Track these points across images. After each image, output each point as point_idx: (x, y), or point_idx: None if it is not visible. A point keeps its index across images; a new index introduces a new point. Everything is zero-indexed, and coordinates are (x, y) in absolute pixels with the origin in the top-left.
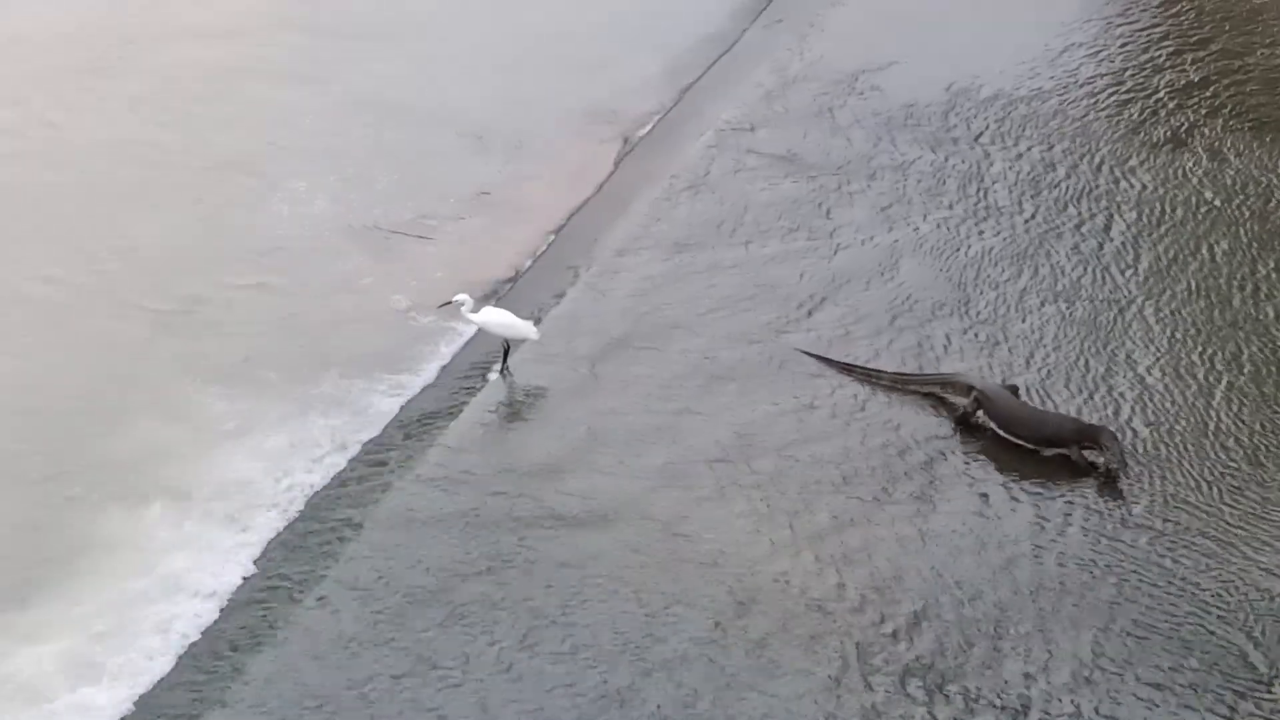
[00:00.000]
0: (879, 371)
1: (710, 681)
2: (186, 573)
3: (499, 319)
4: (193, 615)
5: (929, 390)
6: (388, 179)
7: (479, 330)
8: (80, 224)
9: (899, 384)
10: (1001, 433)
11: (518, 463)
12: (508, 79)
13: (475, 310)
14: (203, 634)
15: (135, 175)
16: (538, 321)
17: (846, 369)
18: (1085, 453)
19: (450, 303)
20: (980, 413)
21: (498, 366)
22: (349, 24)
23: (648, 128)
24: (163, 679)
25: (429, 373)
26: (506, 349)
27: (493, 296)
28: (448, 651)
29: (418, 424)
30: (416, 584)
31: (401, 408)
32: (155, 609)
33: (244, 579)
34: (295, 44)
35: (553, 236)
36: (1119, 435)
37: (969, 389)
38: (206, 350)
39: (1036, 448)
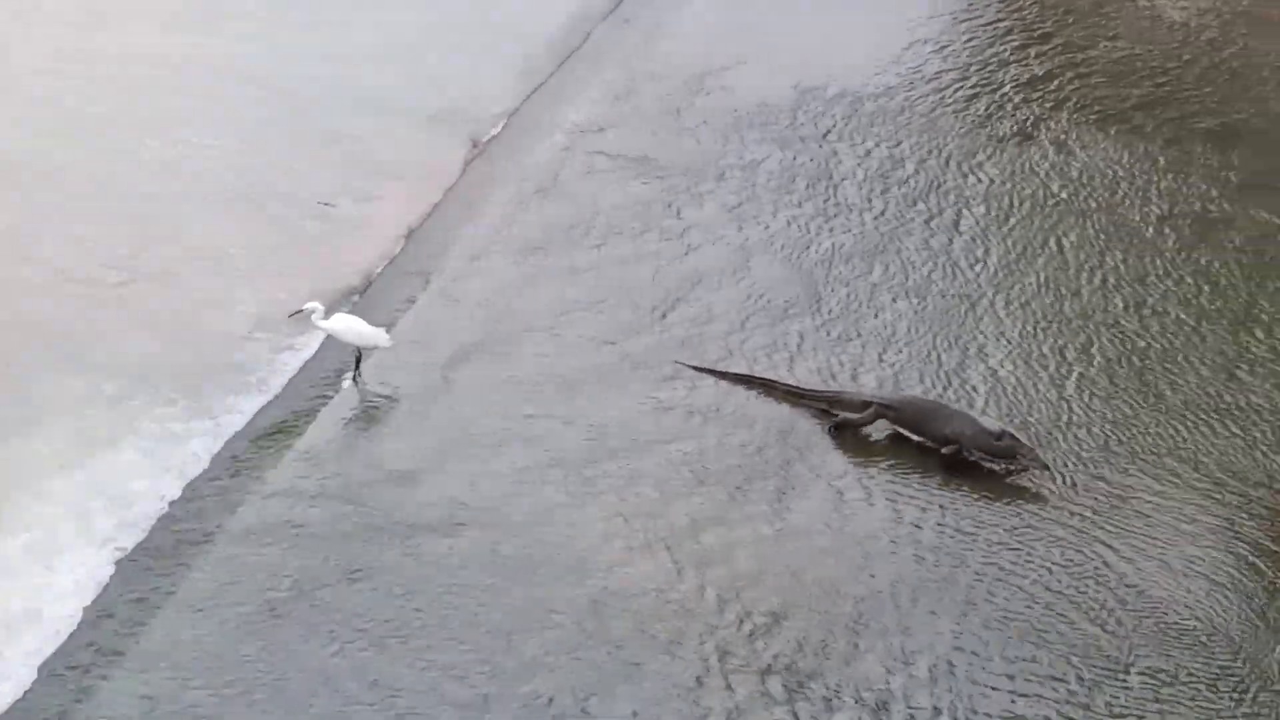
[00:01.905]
0: (773, 383)
1: (572, 685)
2: (35, 588)
3: (350, 326)
4: (47, 629)
5: (820, 406)
6: (233, 186)
7: (330, 338)
8: None
9: (795, 396)
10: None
11: (372, 471)
12: (353, 81)
13: (326, 318)
14: (57, 650)
15: None
16: (390, 328)
17: (744, 380)
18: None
19: (301, 311)
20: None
21: (351, 374)
22: (190, 24)
23: (497, 130)
24: (17, 698)
25: (280, 382)
26: (359, 357)
27: (344, 304)
28: (305, 663)
29: (269, 434)
30: (271, 595)
31: (252, 418)
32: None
33: (95, 594)
34: (143, 48)
35: (403, 242)
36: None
37: (864, 404)
38: (49, 358)
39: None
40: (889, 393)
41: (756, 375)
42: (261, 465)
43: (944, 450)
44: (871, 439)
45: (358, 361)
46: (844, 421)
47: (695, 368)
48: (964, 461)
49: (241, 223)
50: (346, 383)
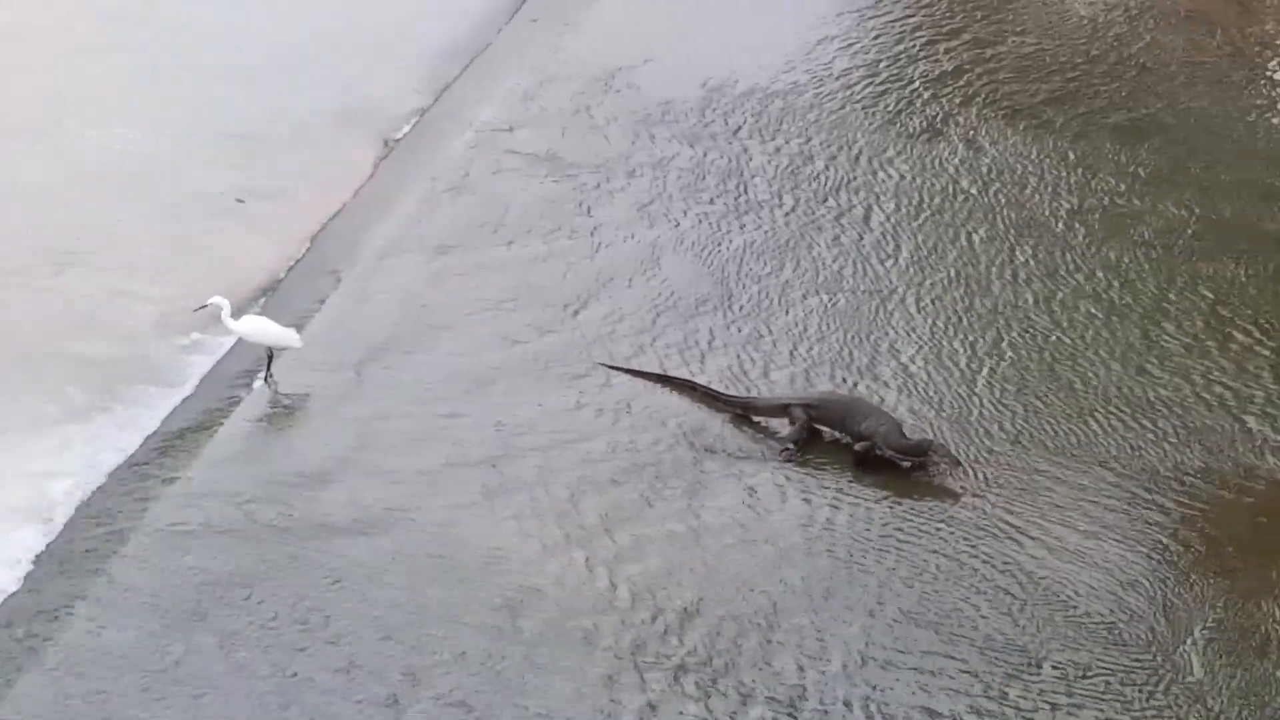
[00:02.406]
0: (691, 383)
1: (485, 685)
2: None
3: (260, 328)
4: None
5: (733, 410)
6: (140, 183)
7: (240, 339)
8: None
9: (711, 399)
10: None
11: (283, 472)
12: (258, 79)
13: (236, 318)
14: None
15: None
16: (301, 328)
17: (664, 380)
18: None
19: (206, 306)
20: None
21: (262, 375)
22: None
23: (406, 129)
24: None
25: (190, 383)
26: (270, 357)
27: (254, 304)
28: (216, 665)
29: (178, 436)
30: (182, 598)
31: (163, 420)
32: None
33: (6, 595)
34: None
35: (313, 241)
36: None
37: (783, 407)
38: None
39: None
40: (806, 392)
41: (676, 376)
42: (174, 465)
43: (857, 446)
44: (779, 434)
45: (269, 362)
46: (796, 437)
47: (614, 368)
48: (877, 458)
49: (147, 220)
50: (258, 383)
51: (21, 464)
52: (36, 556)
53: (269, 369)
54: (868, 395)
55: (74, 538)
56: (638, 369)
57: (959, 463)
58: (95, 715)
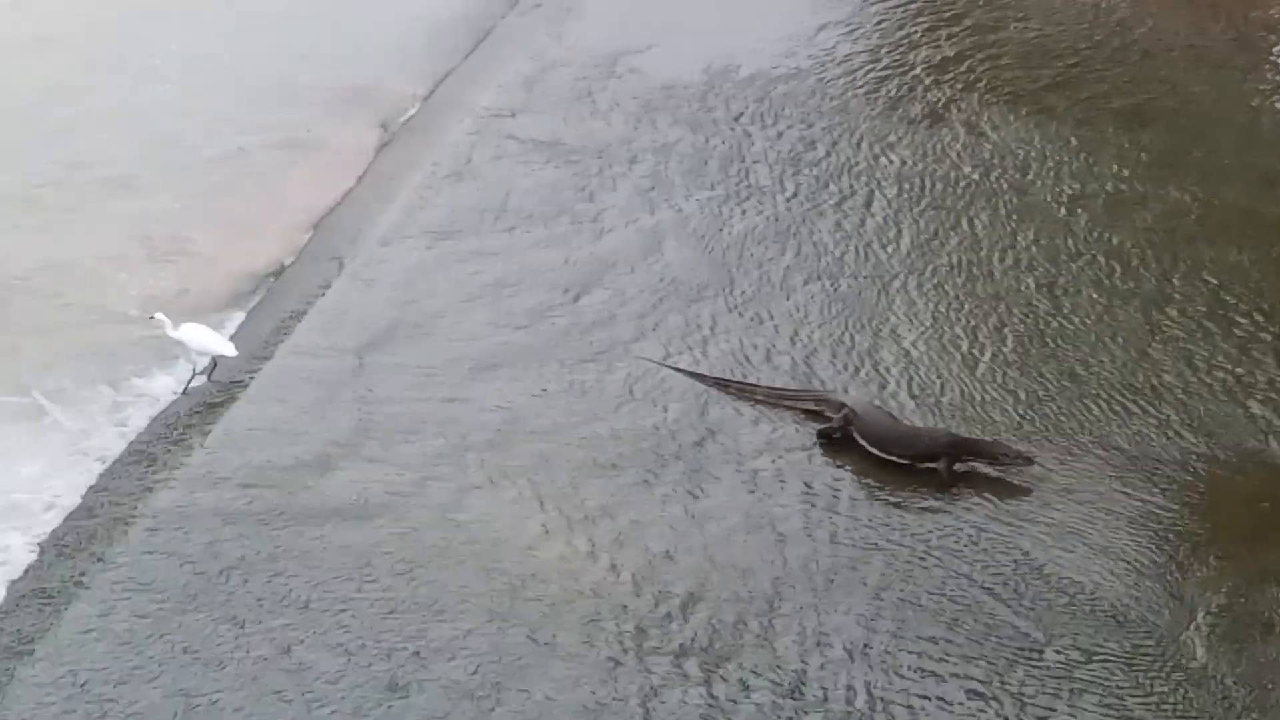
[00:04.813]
0: (754, 386)
1: (488, 668)
2: None
3: (196, 335)
4: None
5: (803, 407)
6: (144, 171)
7: (239, 327)
8: None
9: (773, 400)
10: (873, 450)
11: (286, 457)
12: (257, 66)
13: (176, 328)
14: None
15: None
16: (304, 314)
17: (721, 384)
18: (960, 465)
19: (153, 319)
20: (851, 429)
21: (203, 373)
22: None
23: (408, 115)
24: None
25: (186, 371)
26: (213, 363)
27: (257, 292)
28: (222, 647)
29: (182, 422)
30: (187, 582)
31: (165, 408)
32: None
33: (10, 581)
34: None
35: (315, 228)
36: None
37: (840, 406)
38: None
39: (910, 463)
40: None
41: (732, 379)
42: (175, 451)
43: (928, 466)
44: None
45: (211, 368)
46: (826, 430)
47: (661, 364)
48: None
49: (151, 205)
50: (196, 383)
51: (21, 449)
52: (39, 542)
53: (210, 372)
54: (868, 380)
55: (76, 523)
56: (685, 368)
57: (1031, 460)
58: (97, 698)
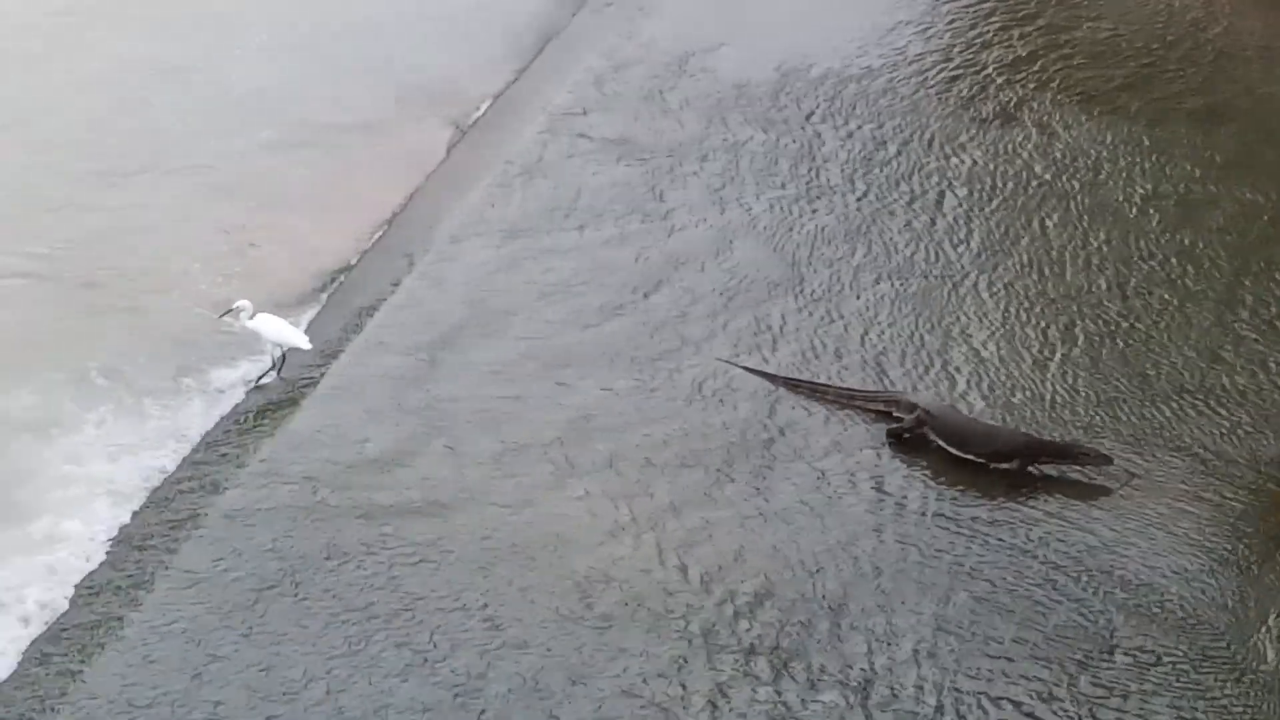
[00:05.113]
0: (825, 386)
1: (556, 666)
2: (30, 568)
3: (272, 326)
4: (32, 612)
5: (874, 408)
6: (215, 171)
7: (310, 322)
8: None
9: (844, 400)
10: (950, 449)
11: (357, 453)
12: (333, 64)
13: (253, 317)
14: (47, 627)
15: None
16: (373, 311)
17: (791, 384)
18: (1035, 467)
19: (231, 310)
20: (926, 430)
21: (273, 372)
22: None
23: (480, 113)
24: (13, 673)
25: (262, 367)
26: (283, 356)
27: (329, 288)
28: (293, 642)
29: (253, 419)
30: (259, 576)
31: (238, 402)
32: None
33: (85, 573)
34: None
35: (386, 225)
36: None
37: (913, 407)
38: (37, 345)
39: (985, 462)
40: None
41: (803, 379)
42: (247, 448)
43: (1003, 466)
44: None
45: (281, 361)
46: (897, 430)
47: (735, 364)
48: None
49: (224, 206)
50: (267, 379)
51: (99, 445)
52: (112, 535)
53: (279, 367)
54: (938, 380)
55: (150, 516)
56: (756, 367)
57: (1110, 459)
58: (168, 691)
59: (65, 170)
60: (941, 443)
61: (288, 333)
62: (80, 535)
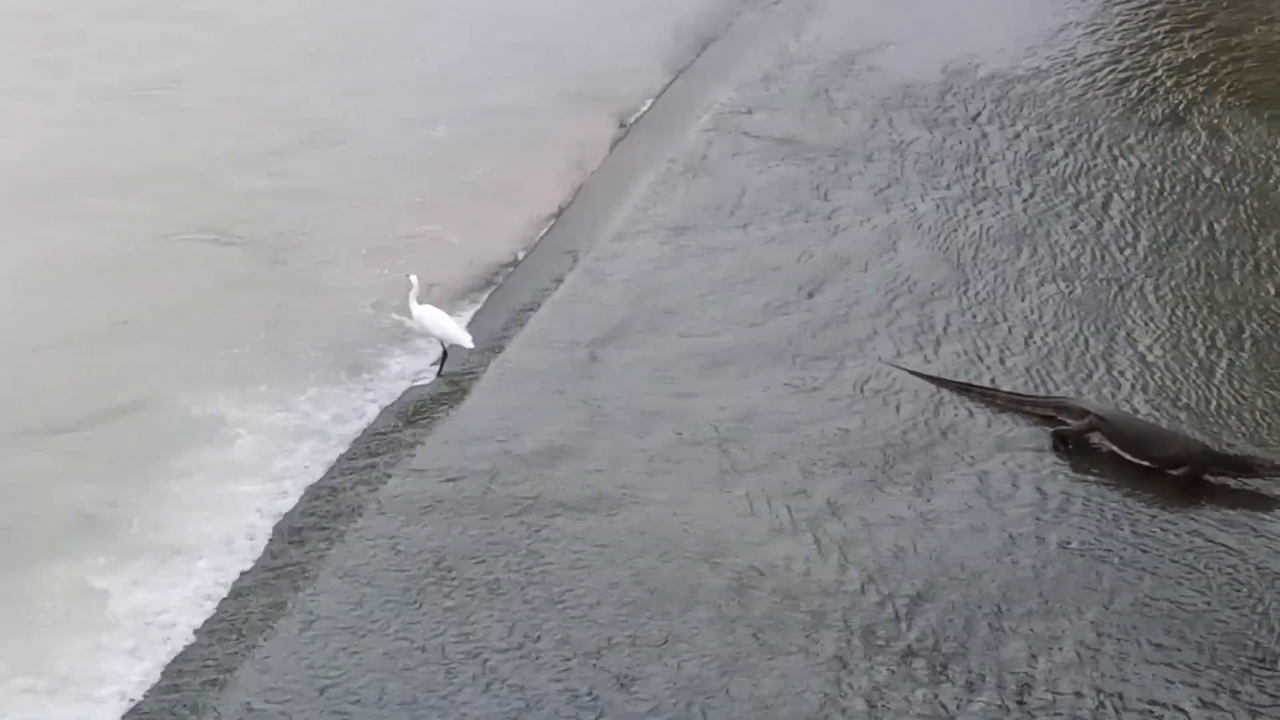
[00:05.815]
0: (995, 391)
1: (713, 664)
2: (189, 559)
3: (436, 320)
4: (193, 597)
5: (1043, 413)
6: (385, 164)
7: (474, 317)
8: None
9: (1013, 404)
10: (1125, 454)
11: (518, 449)
12: (499, 63)
13: (420, 304)
14: (212, 616)
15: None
16: (537, 308)
17: (963, 389)
18: (1208, 477)
19: (408, 277)
20: (1096, 434)
21: (432, 369)
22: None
23: (643, 110)
24: (180, 654)
25: (422, 363)
26: (445, 353)
27: (492, 283)
28: (451, 637)
29: (415, 412)
30: (418, 571)
31: (399, 396)
32: (158, 595)
33: (243, 570)
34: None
35: (551, 221)
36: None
37: (1084, 413)
38: (194, 344)
39: (1157, 468)
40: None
41: (974, 384)
42: (406, 442)
43: (1173, 472)
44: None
45: (443, 360)
46: (1062, 434)
47: (913, 372)
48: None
49: (391, 200)
50: (426, 377)
51: (256, 441)
52: (274, 528)
53: (441, 366)
54: (1102, 384)
55: (309, 508)
56: (920, 370)
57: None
58: (333, 678)
59: (235, 152)
60: (1115, 448)
61: (451, 329)
62: (240, 525)
